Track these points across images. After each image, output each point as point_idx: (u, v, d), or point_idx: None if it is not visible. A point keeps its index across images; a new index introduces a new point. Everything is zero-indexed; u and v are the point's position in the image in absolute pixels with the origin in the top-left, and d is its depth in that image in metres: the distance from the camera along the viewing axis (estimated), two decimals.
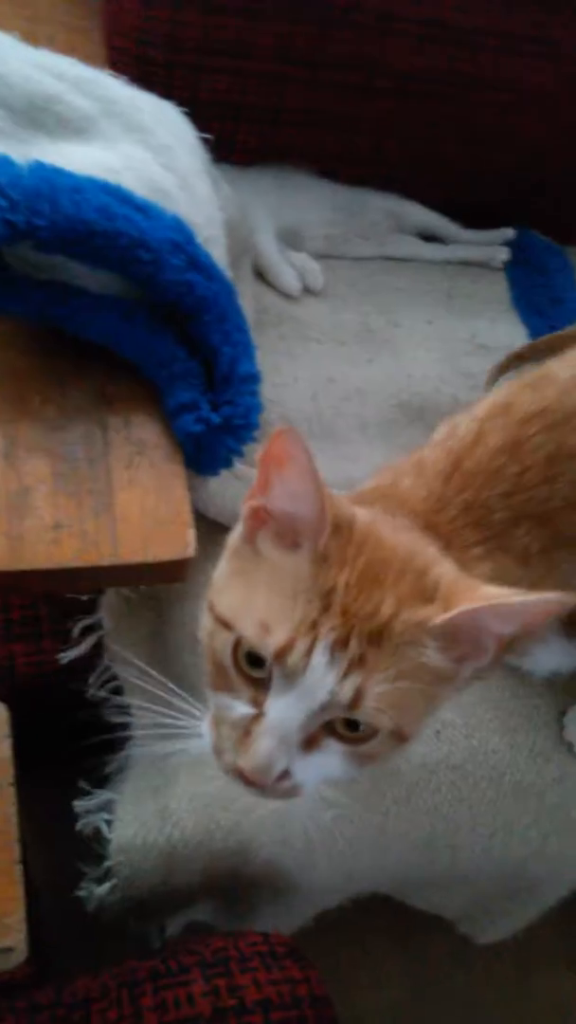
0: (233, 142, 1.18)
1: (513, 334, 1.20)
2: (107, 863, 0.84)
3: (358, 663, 0.56)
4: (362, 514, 0.62)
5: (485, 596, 0.57)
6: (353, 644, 0.56)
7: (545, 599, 0.55)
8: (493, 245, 1.31)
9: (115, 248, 0.74)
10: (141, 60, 1.08)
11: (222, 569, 0.65)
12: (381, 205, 1.27)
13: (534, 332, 1.20)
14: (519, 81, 1.18)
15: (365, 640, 0.57)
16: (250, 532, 0.62)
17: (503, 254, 1.29)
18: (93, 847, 0.86)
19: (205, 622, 0.63)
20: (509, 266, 1.29)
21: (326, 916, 1.02)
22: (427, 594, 0.58)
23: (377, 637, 0.57)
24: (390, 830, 0.88)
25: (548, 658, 0.86)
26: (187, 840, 0.82)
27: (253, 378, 0.82)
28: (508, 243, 1.31)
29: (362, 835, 0.87)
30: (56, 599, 0.98)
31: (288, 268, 1.16)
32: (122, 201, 0.76)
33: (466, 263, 1.30)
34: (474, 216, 1.33)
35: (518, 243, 1.31)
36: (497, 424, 0.70)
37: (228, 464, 0.84)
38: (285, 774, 0.58)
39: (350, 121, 1.20)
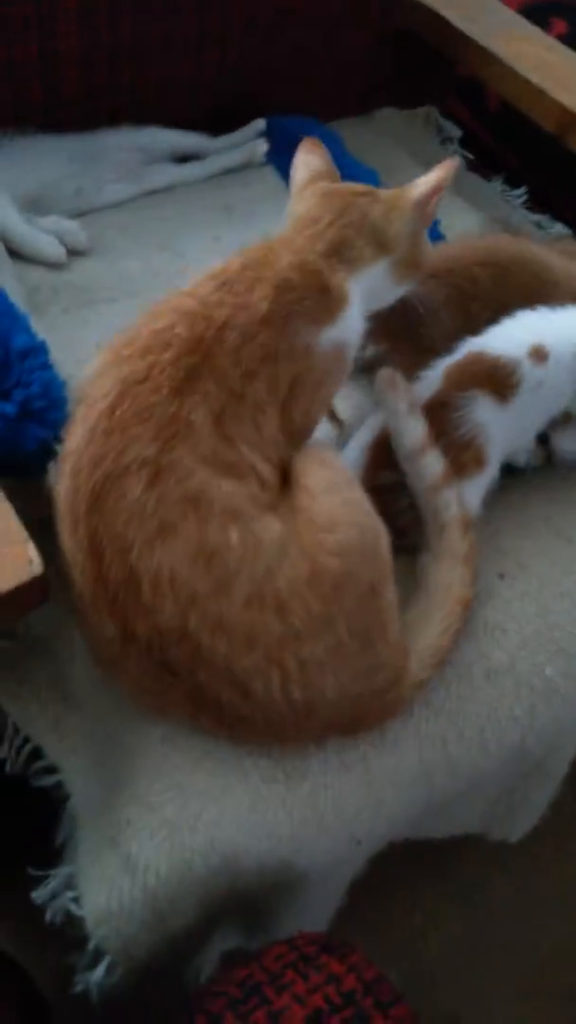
0: None
1: None
2: (91, 943, 0.72)
3: None
4: None
5: None
6: None
7: None
8: (249, 142, 1.21)
9: None
10: None
11: None
12: (119, 142, 1.16)
13: None
14: None
15: None
16: None
17: (261, 147, 1.20)
18: (72, 933, 0.74)
19: None
20: (272, 156, 1.20)
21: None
22: None
23: None
24: (375, 778, 0.78)
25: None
26: (165, 881, 0.70)
27: (35, 350, 0.70)
28: (262, 135, 1.21)
29: (347, 796, 0.77)
30: None
31: (42, 235, 1.03)
32: None
33: (229, 170, 1.20)
34: (219, 123, 1.23)
35: (272, 131, 1.21)
36: None
37: (47, 456, 0.71)
38: None
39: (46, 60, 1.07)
